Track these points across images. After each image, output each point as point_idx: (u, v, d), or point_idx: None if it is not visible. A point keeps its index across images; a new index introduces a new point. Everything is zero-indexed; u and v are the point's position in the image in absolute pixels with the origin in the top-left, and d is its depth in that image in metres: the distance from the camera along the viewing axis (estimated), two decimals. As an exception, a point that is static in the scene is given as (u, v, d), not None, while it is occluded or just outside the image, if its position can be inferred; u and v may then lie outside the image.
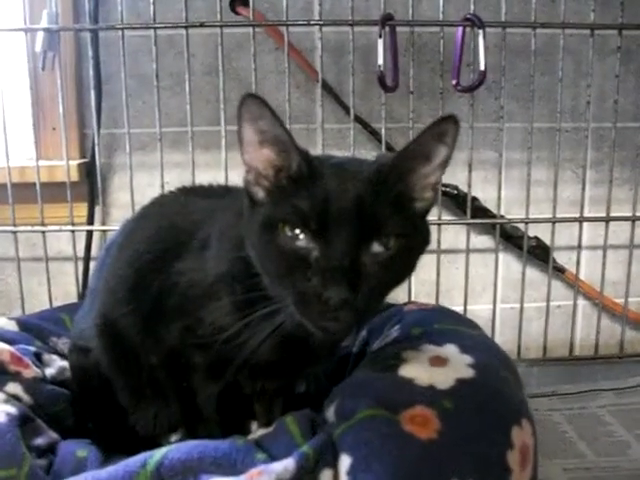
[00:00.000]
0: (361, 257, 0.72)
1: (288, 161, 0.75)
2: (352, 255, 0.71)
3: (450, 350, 0.91)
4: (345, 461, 0.73)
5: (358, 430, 0.76)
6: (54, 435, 0.98)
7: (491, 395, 0.83)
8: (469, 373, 0.85)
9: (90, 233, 1.57)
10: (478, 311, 1.64)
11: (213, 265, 0.86)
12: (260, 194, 0.78)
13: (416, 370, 0.85)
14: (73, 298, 1.53)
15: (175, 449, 0.75)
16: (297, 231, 0.72)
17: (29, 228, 1.50)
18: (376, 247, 0.72)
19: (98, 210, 1.58)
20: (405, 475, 0.71)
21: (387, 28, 1.37)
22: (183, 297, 0.88)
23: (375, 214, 0.72)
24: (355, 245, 0.71)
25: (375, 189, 0.73)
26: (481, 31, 1.35)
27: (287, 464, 0.70)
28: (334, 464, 0.73)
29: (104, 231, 1.54)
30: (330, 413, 0.84)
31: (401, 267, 0.77)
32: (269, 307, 0.76)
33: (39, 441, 0.93)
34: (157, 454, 0.74)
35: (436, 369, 0.86)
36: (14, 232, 1.49)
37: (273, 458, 0.75)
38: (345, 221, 0.71)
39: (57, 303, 1.48)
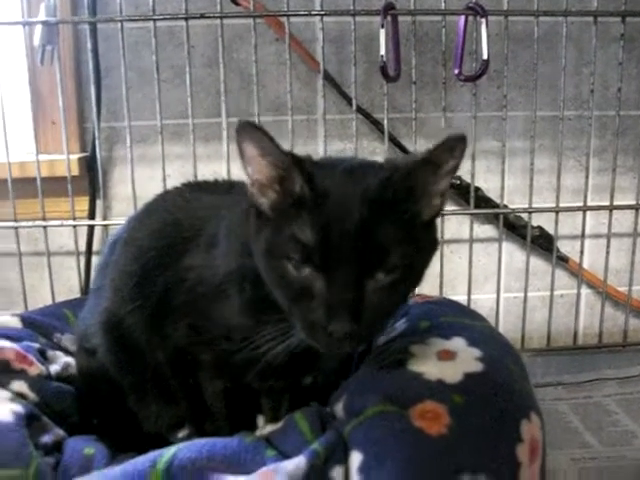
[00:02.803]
0: (364, 288, 0.71)
1: (291, 177, 0.74)
2: (355, 288, 0.70)
3: (458, 343, 0.90)
4: (356, 458, 0.73)
5: (368, 426, 0.76)
6: (60, 432, 0.97)
7: (500, 389, 0.83)
8: (478, 367, 0.85)
9: (92, 228, 1.57)
10: (482, 300, 1.64)
11: (222, 263, 0.85)
12: (266, 206, 0.76)
13: (425, 364, 0.85)
14: (75, 293, 1.53)
15: (184, 448, 0.75)
16: (300, 264, 0.72)
17: (30, 223, 1.49)
18: (380, 275, 0.72)
19: (99, 204, 1.57)
20: (418, 471, 0.70)
21: (389, 17, 1.35)
22: (191, 294, 0.88)
23: (380, 243, 0.71)
24: (358, 277, 0.70)
25: (381, 210, 0.72)
26: (484, 20, 1.34)
27: (299, 462, 0.70)
28: (345, 461, 0.73)
29: (106, 226, 1.53)
30: (339, 409, 0.84)
31: (406, 287, 0.78)
32: (280, 323, 0.76)
33: (46, 439, 0.93)
34: (167, 453, 0.74)
35: (445, 363, 0.86)
36: (15, 228, 1.48)
37: (283, 455, 0.75)
38: (349, 253, 0.70)
39: (59, 298, 1.47)
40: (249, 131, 0.72)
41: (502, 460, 0.76)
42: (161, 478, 0.72)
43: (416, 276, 0.78)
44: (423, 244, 0.77)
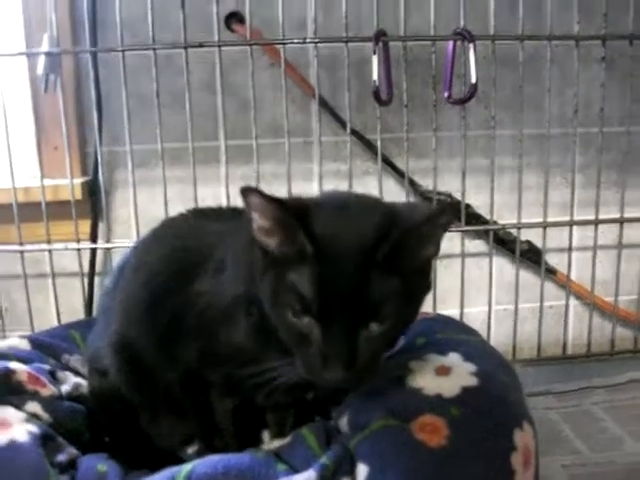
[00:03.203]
0: (358, 338, 0.74)
1: (293, 233, 0.76)
2: (349, 339, 0.74)
3: (454, 359, 0.95)
4: (362, 470, 0.78)
5: (373, 440, 0.81)
6: (74, 451, 1.00)
7: (494, 401, 0.88)
8: (473, 381, 0.89)
9: (94, 250, 1.60)
10: (474, 314, 1.69)
11: (230, 288, 0.89)
12: (271, 248, 0.79)
13: (423, 380, 0.90)
14: (79, 314, 1.56)
15: (200, 464, 0.79)
16: (299, 313, 0.75)
17: (36, 247, 1.52)
18: (374, 326, 0.75)
19: (101, 226, 1.61)
20: (419, 481, 0.75)
21: (380, 44, 1.40)
22: (200, 318, 0.91)
23: (375, 297, 0.74)
24: (353, 329, 0.74)
25: (377, 265, 0.74)
26: (471, 45, 1.39)
27: (309, 476, 0.75)
28: (352, 473, 0.78)
29: (108, 249, 1.57)
30: (343, 423, 0.88)
31: (398, 332, 0.82)
32: (285, 357, 0.80)
33: (61, 458, 0.95)
34: (184, 469, 0.78)
35: (442, 378, 0.90)
36: (21, 252, 1.52)
37: (293, 469, 0.80)
38: (345, 306, 0.73)
39: (64, 319, 1.51)
40: (252, 196, 0.76)
41: (497, 468, 0.81)
42: (180, 493, 0.76)
43: (408, 322, 0.82)
44: (416, 291, 0.80)
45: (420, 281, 0.81)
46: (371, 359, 0.76)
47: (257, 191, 0.75)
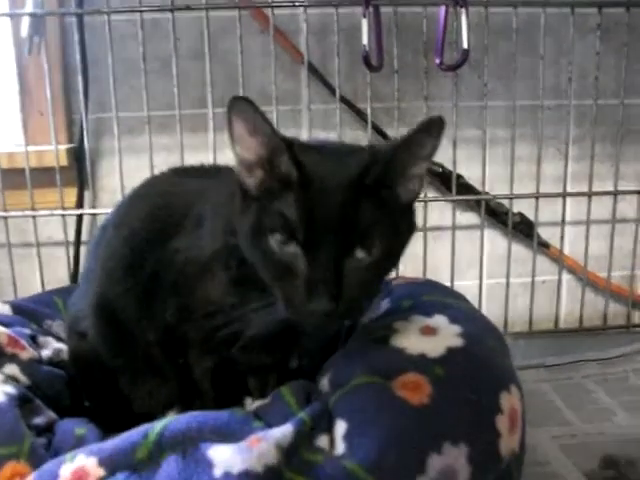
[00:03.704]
0: (344, 267, 0.73)
1: (278, 159, 0.75)
2: (335, 267, 0.72)
3: (439, 320, 0.93)
4: (341, 426, 0.76)
5: (352, 396, 0.79)
6: (52, 415, 0.99)
7: (480, 362, 0.86)
8: (459, 342, 0.87)
9: (80, 217, 1.58)
10: (465, 287, 1.66)
11: (208, 242, 0.87)
12: (252, 186, 0.78)
13: (407, 339, 0.88)
14: (65, 283, 1.54)
15: (175, 420, 0.77)
16: (284, 240, 0.74)
17: (19, 213, 1.50)
18: (359, 254, 0.74)
19: (87, 194, 1.59)
20: (399, 439, 0.73)
21: (371, 8, 1.38)
22: (179, 274, 0.90)
23: (360, 223, 0.73)
24: (339, 256, 0.73)
25: (362, 194, 0.74)
26: (464, 10, 1.37)
27: (285, 430, 0.73)
28: (330, 430, 0.76)
29: (94, 215, 1.55)
30: (324, 383, 0.87)
31: (384, 267, 0.80)
32: (264, 298, 0.78)
33: (38, 420, 0.94)
34: (158, 425, 0.76)
35: (426, 338, 0.88)
36: (5, 217, 1.50)
37: (270, 426, 0.77)
38: (330, 232, 0.72)
39: (49, 288, 1.48)
40: (242, 107, 0.74)
41: (482, 430, 0.79)
42: (152, 449, 0.74)
43: (394, 258, 0.80)
44: (401, 227, 0.79)
45: (405, 217, 0.80)
46: (357, 293, 0.74)
47: (245, 99, 0.74)
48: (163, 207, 0.98)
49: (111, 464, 0.73)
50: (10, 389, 0.93)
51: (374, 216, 0.74)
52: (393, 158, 0.76)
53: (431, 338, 0.89)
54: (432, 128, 0.75)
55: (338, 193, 0.73)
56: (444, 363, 0.83)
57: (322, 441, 0.75)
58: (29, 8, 1.39)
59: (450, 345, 0.87)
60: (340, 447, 0.74)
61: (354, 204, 0.73)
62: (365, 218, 0.73)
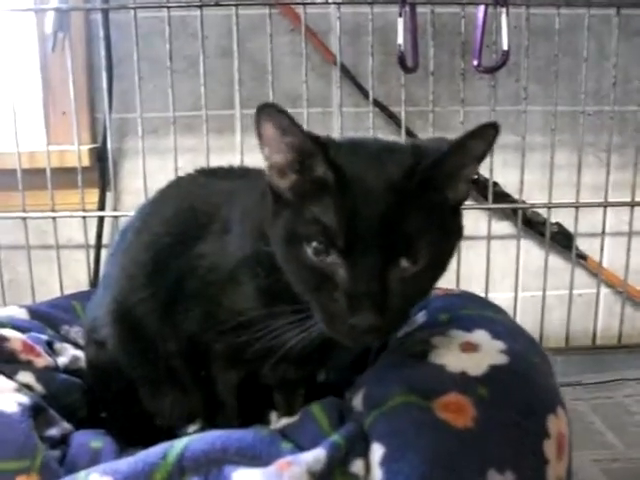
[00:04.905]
0: (389, 277, 0.67)
1: (312, 161, 0.70)
2: (380, 277, 0.67)
3: (481, 336, 0.87)
4: (377, 451, 0.70)
5: (390, 418, 0.73)
6: (67, 426, 0.95)
7: (526, 382, 0.80)
8: (503, 359, 0.82)
9: (101, 219, 1.55)
10: (498, 300, 1.59)
11: (235, 249, 0.82)
12: (285, 189, 0.73)
13: (447, 356, 0.82)
14: (84, 286, 1.50)
15: (197, 440, 0.72)
16: (322, 249, 0.68)
17: (39, 214, 1.47)
18: (404, 263, 0.68)
19: (109, 197, 1.55)
20: (442, 465, 0.67)
21: (407, 7, 1.32)
22: (203, 281, 0.85)
23: (406, 229, 0.67)
24: (383, 265, 0.67)
25: (407, 197, 0.68)
26: (504, 9, 1.31)
27: (318, 454, 0.67)
28: (365, 454, 0.70)
29: (116, 217, 1.51)
30: (357, 401, 0.81)
31: (431, 277, 0.74)
32: (297, 313, 0.72)
33: (52, 432, 0.90)
34: (178, 445, 0.71)
35: (468, 355, 0.82)
36: (24, 218, 1.46)
37: (299, 448, 0.72)
38: (373, 238, 0.66)
39: (68, 292, 1.44)
40: (270, 112, 0.69)
41: (529, 456, 0.73)
42: (171, 471, 0.69)
43: (441, 265, 0.74)
44: (449, 231, 0.73)
45: (451, 221, 0.74)
46: (402, 306, 0.69)
47: (274, 106, 0.68)
48: (188, 210, 0.93)
49: (127, 486, 0.68)
50: (23, 398, 0.89)
51: (420, 222, 0.68)
52: (443, 159, 0.70)
53: (472, 355, 0.83)
54: (487, 133, 0.70)
55: (380, 196, 0.67)
56: (487, 382, 0.77)
57: (357, 467, 0.69)
58: (54, 3, 1.36)
59: (493, 363, 0.81)
60: (377, 474, 0.68)
61: (399, 208, 0.67)
62: (411, 223, 0.67)
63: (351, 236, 0.66)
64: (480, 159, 0.72)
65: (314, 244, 0.68)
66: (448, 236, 0.73)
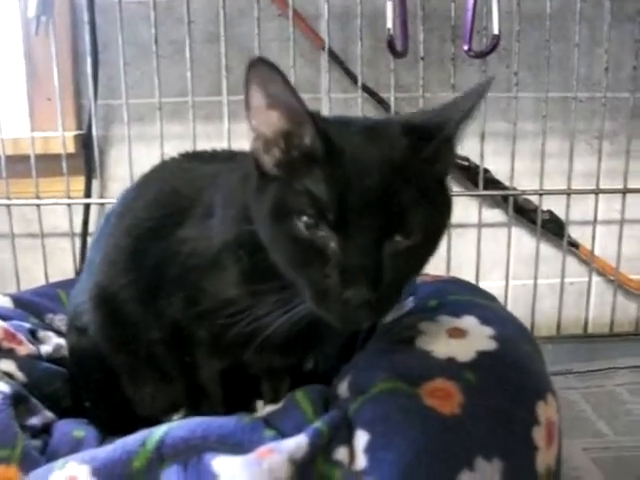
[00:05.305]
0: (383, 252, 0.65)
1: (300, 131, 0.68)
2: (373, 251, 0.64)
3: (469, 322, 0.86)
4: (362, 437, 0.68)
5: (375, 404, 0.71)
6: (50, 415, 0.93)
7: (515, 368, 0.79)
8: (491, 345, 0.80)
9: (87, 206, 1.53)
10: (489, 288, 1.57)
11: (218, 233, 0.80)
12: (270, 165, 0.70)
13: (434, 342, 0.80)
14: (70, 275, 1.48)
15: (177, 427, 0.70)
16: (313, 222, 0.65)
17: (24, 202, 1.45)
18: (398, 237, 0.66)
19: (95, 184, 1.53)
20: (429, 452, 0.66)
21: (396, -10, 1.31)
22: (185, 267, 0.82)
23: (400, 203, 0.65)
24: (377, 239, 0.65)
25: (401, 171, 0.66)
26: (495, -7, 1.29)
27: (300, 441, 0.65)
28: (350, 441, 0.68)
29: (102, 204, 1.49)
30: (343, 389, 0.79)
31: (424, 253, 0.72)
32: (281, 293, 0.70)
33: (34, 421, 0.89)
34: (157, 432, 0.69)
35: (456, 341, 0.81)
36: (8, 206, 1.45)
37: (282, 435, 0.70)
38: (367, 212, 0.64)
39: (53, 280, 1.42)
40: (262, 70, 0.65)
41: (518, 443, 0.72)
42: (150, 458, 0.67)
43: (434, 240, 0.72)
44: (440, 205, 0.71)
45: (441, 194, 0.72)
46: (396, 282, 0.67)
47: (268, 62, 0.64)
48: (170, 193, 0.91)
49: (105, 474, 0.67)
50: (4, 387, 0.88)
51: (414, 195, 0.66)
52: (437, 137, 0.68)
53: (460, 341, 0.81)
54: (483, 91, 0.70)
55: (374, 170, 0.65)
56: (475, 368, 0.76)
57: (340, 454, 0.67)
58: (37, -14, 1.33)
59: (481, 349, 0.79)
60: (361, 461, 0.66)
61: (393, 181, 0.65)
62: (405, 197, 0.65)
63: (343, 209, 0.64)
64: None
65: (304, 217, 0.65)
66: (440, 210, 0.71)
